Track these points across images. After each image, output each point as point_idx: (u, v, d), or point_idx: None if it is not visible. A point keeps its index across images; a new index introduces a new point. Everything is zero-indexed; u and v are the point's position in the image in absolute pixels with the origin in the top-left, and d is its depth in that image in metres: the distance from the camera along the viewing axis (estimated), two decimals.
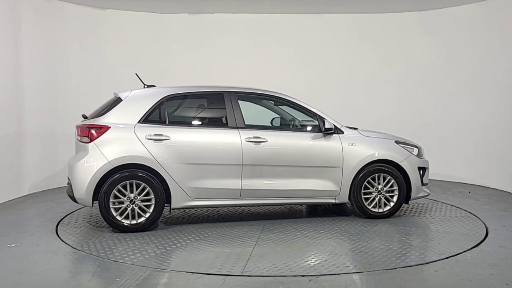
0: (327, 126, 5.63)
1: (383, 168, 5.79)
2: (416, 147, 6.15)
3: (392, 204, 5.85)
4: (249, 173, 5.42)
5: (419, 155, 6.09)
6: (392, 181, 5.81)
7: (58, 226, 5.46)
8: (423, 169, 6.02)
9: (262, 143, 5.45)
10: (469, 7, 8.29)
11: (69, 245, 4.74)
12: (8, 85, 6.87)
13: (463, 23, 8.44)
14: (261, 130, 5.59)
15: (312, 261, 4.33)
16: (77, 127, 5.39)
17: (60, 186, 7.77)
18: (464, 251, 4.55)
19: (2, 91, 6.72)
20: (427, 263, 4.21)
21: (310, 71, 9.19)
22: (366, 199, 5.79)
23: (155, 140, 5.19)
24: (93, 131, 5.13)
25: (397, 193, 5.83)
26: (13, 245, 4.74)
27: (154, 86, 5.72)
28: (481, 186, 8.20)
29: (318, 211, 6.34)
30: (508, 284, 3.72)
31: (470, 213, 6.18)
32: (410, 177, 5.85)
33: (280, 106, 6.05)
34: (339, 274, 3.95)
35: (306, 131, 5.73)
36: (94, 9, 8.38)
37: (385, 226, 5.55)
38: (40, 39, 7.58)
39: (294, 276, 3.89)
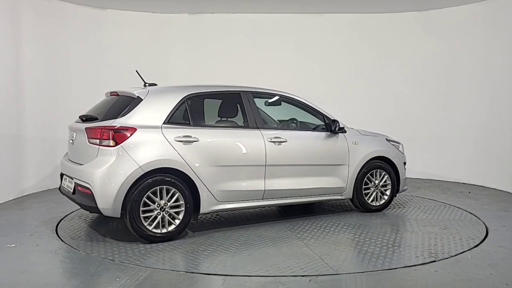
0: (341, 125, 5.89)
1: (380, 164, 6.19)
2: (400, 143, 6.63)
3: (386, 197, 6.30)
4: (272, 173, 5.40)
5: (402, 151, 6.61)
6: (386, 176, 6.25)
7: (58, 226, 5.46)
8: (404, 164, 6.54)
9: (283, 143, 5.47)
10: (469, 7, 8.29)
11: (69, 245, 4.73)
12: (8, 84, 6.87)
13: (463, 23, 8.44)
14: (279, 130, 5.68)
15: (384, 254, 4.47)
16: (90, 129, 4.82)
17: None
18: (464, 251, 4.55)
19: (2, 91, 6.72)
20: (427, 263, 4.21)
21: (310, 71, 9.19)
22: (366, 194, 6.13)
23: (185, 142, 4.87)
24: (119, 134, 4.64)
25: (390, 187, 6.30)
26: (13, 245, 4.74)
27: (155, 84, 5.52)
28: (481, 186, 8.20)
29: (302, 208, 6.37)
30: (508, 284, 3.72)
31: (470, 213, 6.18)
32: (399, 172, 6.36)
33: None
34: (339, 274, 3.95)
35: (318, 130, 5.90)
36: (94, 9, 8.38)
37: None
38: (40, 39, 7.58)
39: (294, 276, 3.89)
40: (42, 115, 7.61)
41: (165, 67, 8.84)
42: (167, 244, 4.74)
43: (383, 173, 6.22)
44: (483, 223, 5.65)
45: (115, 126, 4.69)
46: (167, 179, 4.74)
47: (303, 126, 5.98)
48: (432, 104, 8.90)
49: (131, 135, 4.65)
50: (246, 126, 5.37)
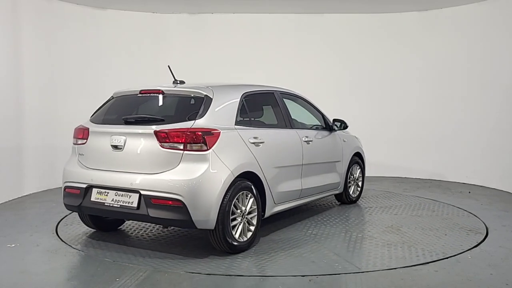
0: (348, 125, 6.29)
1: (356, 159, 6.72)
2: (358, 138, 7.08)
3: (359, 189, 6.89)
4: (306, 172, 5.49)
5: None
6: (359, 169, 6.83)
7: (58, 226, 5.46)
8: None
9: (310, 142, 5.57)
10: (469, 7, 8.30)
11: (69, 245, 4.73)
12: (8, 85, 6.87)
13: (463, 23, 8.45)
14: (305, 129, 5.74)
15: (435, 244, 4.82)
16: (167, 132, 4.17)
17: (60, 186, 7.73)
18: (464, 251, 4.55)
19: (2, 91, 6.72)
20: (427, 263, 4.21)
21: (310, 71, 9.20)
22: (349, 187, 6.63)
23: (256, 144, 4.66)
24: (209, 137, 4.21)
25: (361, 179, 6.90)
26: (13, 245, 4.74)
27: (183, 82, 5.07)
28: (481, 186, 8.20)
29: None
30: (508, 284, 3.72)
31: (470, 213, 6.18)
32: (364, 165, 6.94)
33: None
34: (339, 274, 3.95)
35: (318, 129, 6.06)
36: (94, 9, 8.38)
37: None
38: (40, 39, 7.58)
39: (294, 276, 3.89)
40: (42, 115, 7.60)
41: (165, 67, 8.80)
42: (307, 252, 4.54)
43: (357, 167, 6.77)
44: (483, 223, 5.65)
45: (209, 128, 4.25)
46: (248, 183, 4.50)
47: (307, 125, 6.00)
48: (432, 104, 8.90)
49: (217, 138, 4.27)
50: (284, 126, 5.33)
